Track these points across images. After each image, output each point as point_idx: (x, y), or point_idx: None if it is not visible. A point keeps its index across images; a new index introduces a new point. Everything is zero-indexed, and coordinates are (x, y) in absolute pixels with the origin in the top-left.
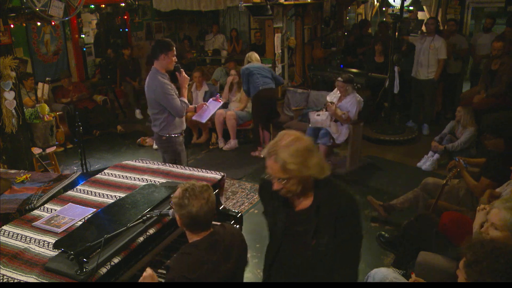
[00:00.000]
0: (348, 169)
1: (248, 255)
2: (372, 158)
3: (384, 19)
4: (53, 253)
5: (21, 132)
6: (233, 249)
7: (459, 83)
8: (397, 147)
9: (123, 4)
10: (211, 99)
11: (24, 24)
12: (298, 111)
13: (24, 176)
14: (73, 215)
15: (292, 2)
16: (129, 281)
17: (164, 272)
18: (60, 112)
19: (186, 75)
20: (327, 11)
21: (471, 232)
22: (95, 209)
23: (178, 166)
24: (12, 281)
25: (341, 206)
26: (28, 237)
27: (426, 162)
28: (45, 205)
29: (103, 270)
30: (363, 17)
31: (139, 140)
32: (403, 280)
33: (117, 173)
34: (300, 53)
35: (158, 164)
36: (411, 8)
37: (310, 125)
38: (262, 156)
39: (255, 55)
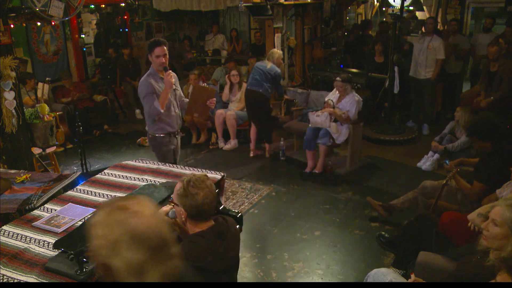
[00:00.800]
0: (348, 169)
1: (248, 255)
2: (372, 158)
3: (384, 19)
4: (53, 253)
5: (21, 132)
6: (236, 241)
7: (459, 83)
8: (397, 147)
9: (123, 4)
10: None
11: (24, 24)
12: (298, 111)
13: (24, 176)
14: (73, 215)
15: (292, 2)
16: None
17: None
18: (60, 112)
19: (169, 79)
20: (327, 11)
21: (471, 232)
22: (95, 209)
23: (178, 166)
24: (12, 281)
25: None
26: (28, 237)
27: (426, 162)
28: (45, 205)
29: None
30: (363, 17)
31: (139, 140)
32: (402, 280)
33: (117, 173)
34: (300, 53)
35: (158, 164)
36: (411, 8)
37: (310, 125)
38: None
39: (272, 54)
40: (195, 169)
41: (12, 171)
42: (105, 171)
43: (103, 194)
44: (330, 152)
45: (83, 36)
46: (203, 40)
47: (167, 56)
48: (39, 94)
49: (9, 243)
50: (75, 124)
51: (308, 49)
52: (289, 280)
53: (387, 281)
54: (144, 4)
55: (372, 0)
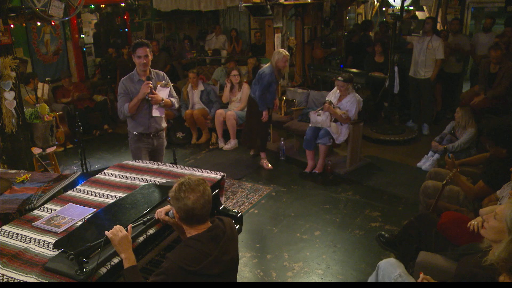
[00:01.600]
0: (348, 169)
1: (248, 255)
2: (372, 158)
3: (384, 19)
4: (53, 253)
5: (21, 132)
6: (232, 242)
7: (459, 83)
8: (397, 147)
9: (123, 4)
10: (159, 86)
11: (24, 24)
12: (298, 111)
13: (24, 176)
14: (73, 215)
15: (292, 2)
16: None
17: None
18: (60, 112)
19: (144, 89)
20: (327, 11)
21: (471, 232)
22: (95, 209)
23: (178, 166)
24: (12, 281)
25: None
26: (28, 237)
27: (426, 162)
28: (45, 205)
29: (103, 270)
30: (363, 17)
31: None
32: (409, 276)
33: (117, 173)
34: (300, 53)
35: (158, 164)
36: (411, 8)
37: (310, 125)
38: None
39: (273, 54)
40: (195, 169)
41: (12, 171)
42: (105, 171)
43: (103, 194)
44: (330, 152)
45: (83, 36)
46: (203, 40)
47: (149, 58)
48: (39, 94)
49: (9, 243)
50: (75, 124)
51: (308, 49)
52: (289, 280)
53: (396, 274)
54: (144, 4)
55: (372, 0)
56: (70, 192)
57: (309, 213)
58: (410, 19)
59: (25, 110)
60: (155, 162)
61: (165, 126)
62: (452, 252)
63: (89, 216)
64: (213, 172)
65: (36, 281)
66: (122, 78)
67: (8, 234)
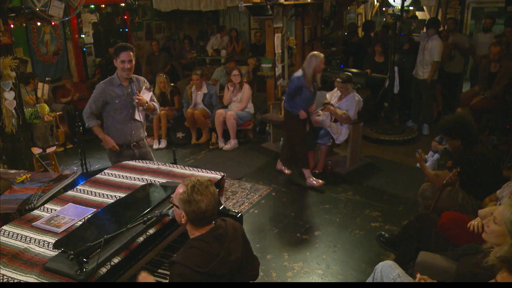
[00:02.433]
0: (348, 169)
1: None
2: (372, 158)
3: (384, 19)
4: (53, 253)
5: (21, 132)
6: (236, 242)
7: (459, 83)
8: (397, 147)
9: (123, 4)
10: (143, 88)
11: (24, 24)
12: None
13: (24, 176)
14: (73, 215)
15: (292, 2)
16: (129, 281)
17: (165, 272)
18: (60, 112)
19: (138, 97)
20: (327, 11)
21: (471, 232)
22: (95, 209)
23: (178, 166)
24: (12, 281)
25: None
26: (28, 237)
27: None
28: (45, 205)
29: (103, 270)
30: (363, 17)
31: None
32: (408, 276)
33: (117, 173)
34: (300, 53)
35: (158, 164)
36: (411, 8)
37: None
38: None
39: (312, 56)
40: (195, 169)
41: (12, 171)
42: (105, 171)
43: (103, 194)
44: (330, 152)
45: (83, 36)
46: (203, 40)
47: (133, 63)
48: (39, 94)
49: (9, 243)
50: (75, 124)
51: (308, 49)
52: (289, 280)
53: (395, 274)
54: (144, 4)
55: (372, 0)
56: (70, 192)
57: (309, 213)
58: (410, 19)
59: (25, 110)
60: (155, 162)
61: (145, 136)
62: (452, 252)
63: (89, 216)
64: (213, 172)
65: (36, 281)
66: (102, 81)
67: (8, 234)
